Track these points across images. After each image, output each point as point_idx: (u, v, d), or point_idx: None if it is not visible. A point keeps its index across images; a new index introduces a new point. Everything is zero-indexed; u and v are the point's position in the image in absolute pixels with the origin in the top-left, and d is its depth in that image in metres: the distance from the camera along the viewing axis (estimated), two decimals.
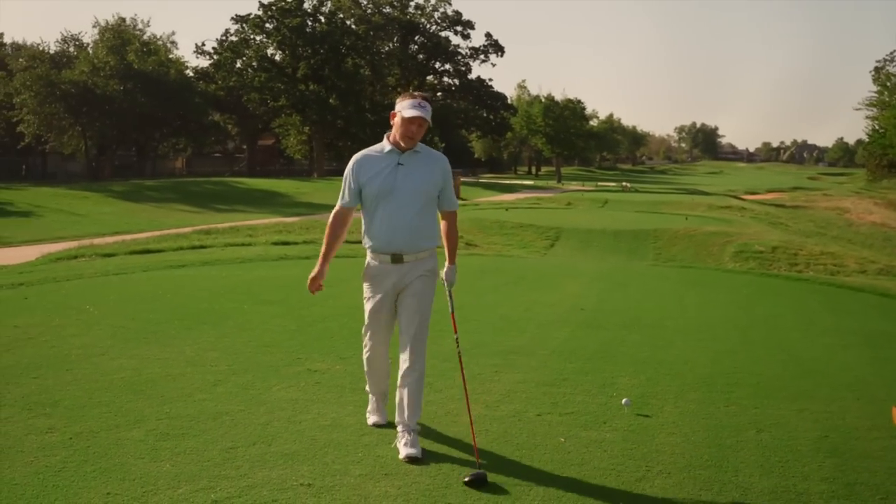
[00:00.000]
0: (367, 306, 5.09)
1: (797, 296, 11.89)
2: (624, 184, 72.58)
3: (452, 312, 5.13)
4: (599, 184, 76.91)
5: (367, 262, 5.06)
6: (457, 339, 5.21)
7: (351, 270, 12.96)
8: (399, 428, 4.92)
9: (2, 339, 7.47)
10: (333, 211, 5.09)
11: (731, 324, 9.40)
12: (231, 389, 6.04)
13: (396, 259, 4.93)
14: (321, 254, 5.17)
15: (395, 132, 4.89)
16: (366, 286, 5.10)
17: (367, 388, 5.42)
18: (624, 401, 5.82)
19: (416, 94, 4.89)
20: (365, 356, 5.24)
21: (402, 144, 4.86)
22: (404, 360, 4.92)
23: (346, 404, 5.76)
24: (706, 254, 20.20)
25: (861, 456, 5.06)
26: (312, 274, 5.13)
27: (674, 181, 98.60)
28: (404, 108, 4.79)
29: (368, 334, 5.15)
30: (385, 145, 4.96)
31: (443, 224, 5.13)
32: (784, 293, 12.11)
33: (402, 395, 4.92)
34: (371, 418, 5.36)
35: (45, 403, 5.57)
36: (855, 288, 12.97)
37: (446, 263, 5.17)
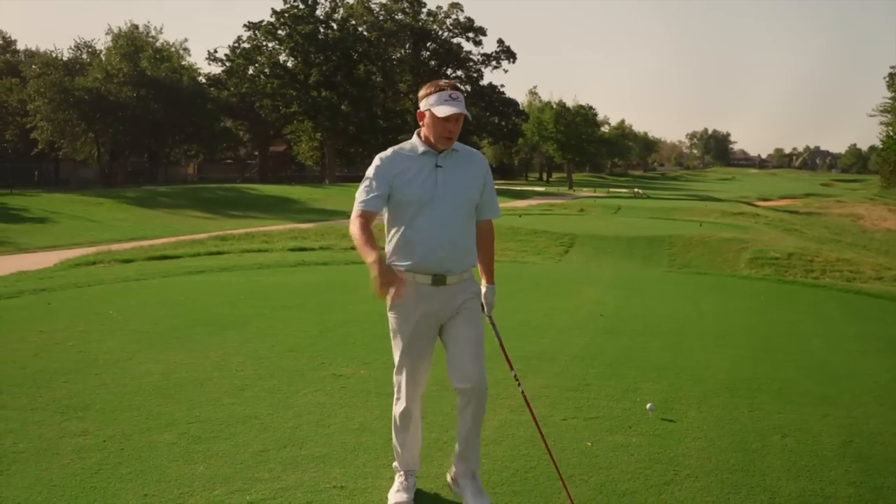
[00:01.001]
0: (399, 343, 4.17)
1: (815, 302, 11.90)
2: (636, 190, 72.59)
3: (501, 343, 4.54)
4: (611, 190, 76.93)
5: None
6: (515, 375, 4.59)
7: (365, 275, 13.09)
8: (458, 473, 4.28)
9: (29, 344, 7.57)
10: (353, 216, 4.04)
11: (751, 330, 9.43)
12: (258, 394, 6.11)
13: (439, 280, 4.10)
14: (364, 246, 3.85)
15: (427, 133, 4.11)
16: (394, 317, 4.17)
17: (395, 462, 4.40)
18: (648, 406, 5.86)
19: (442, 83, 4.10)
20: (397, 411, 4.28)
21: (441, 146, 4.08)
22: (464, 385, 4.11)
23: (373, 409, 5.81)
24: (721, 260, 20.21)
25: (886, 460, 5.09)
26: (374, 272, 3.70)
27: (686, 187, 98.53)
28: (434, 104, 4.01)
29: (404, 380, 4.21)
30: (418, 144, 4.13)
31: (480, 234, 4.38)
32: (802, 299, 12.12)
33: (463, 438, 4.21)
34: (396, 497, 4.22)
35: (76, 407, 5.65)
36: (873, 294, 12.97)
37: (483, 282, 4.45)
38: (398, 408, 4.27)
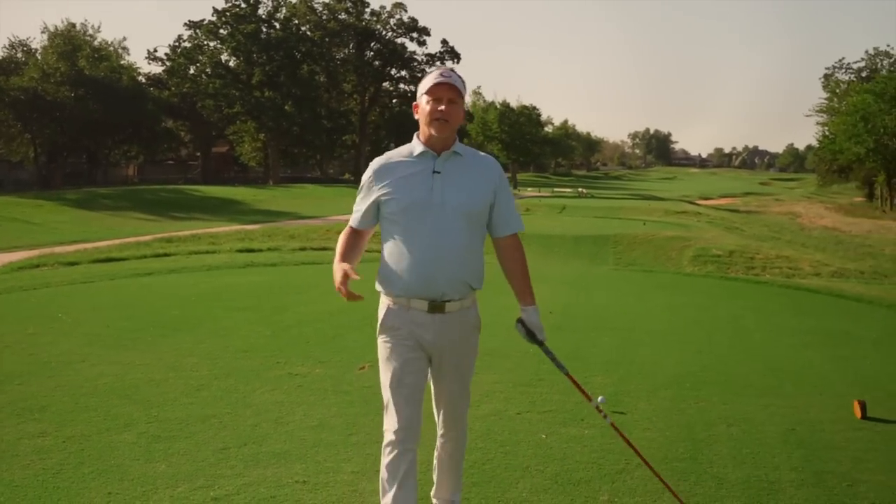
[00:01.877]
0: (388, 374, 3.56)
1: (757, 297, 12.23)
2: (580, 190, 73.41)
3: (569, 375, 4.02)
4: (555, 190, 77.63)
5: (385, 307, 3.61)
6: (598, 406, 4.16)
7: (320, 276, 13.14)
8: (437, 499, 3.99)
9: None
10: (344, 231, 3.72)
11: (696, 325, 9.67)
12: (215, 393, 6.14)
13: (436, 307, 3.52)
14: (335, 262, 3.58)
15: (422, 125, 3.56)
16: (385, 343, 3.60)
17: None
18: (599, 399, 5.98)
19: (437, 68, 3.65)
20: (386, 458, 3.49)
21: (434, 133, 3.49)
22: (440, 434, 3.83)
23: (330, 406, 5.89)
24: (665, 258, 20.60)
25: (826, 447, 5.31)
26: (338, 276, 3.43)
27: (629, 187, 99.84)
28: (426, 80, 3.54)
29: (394, 418, 3.50)
30: (415, 146, 3.60)
31: (504, 252, 3.82)
32: (744, 295, 12.44)
33: (439, 465, 3.90)
34: None
35: (33, 409, 5.64)
36: (811, 290, 13.35)
37: (523, 306, 3.88)
38: (387, 455, 3.48)
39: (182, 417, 5.52)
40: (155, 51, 72.28)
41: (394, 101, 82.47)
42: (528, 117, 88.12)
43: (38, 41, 65.85)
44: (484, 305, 10.38)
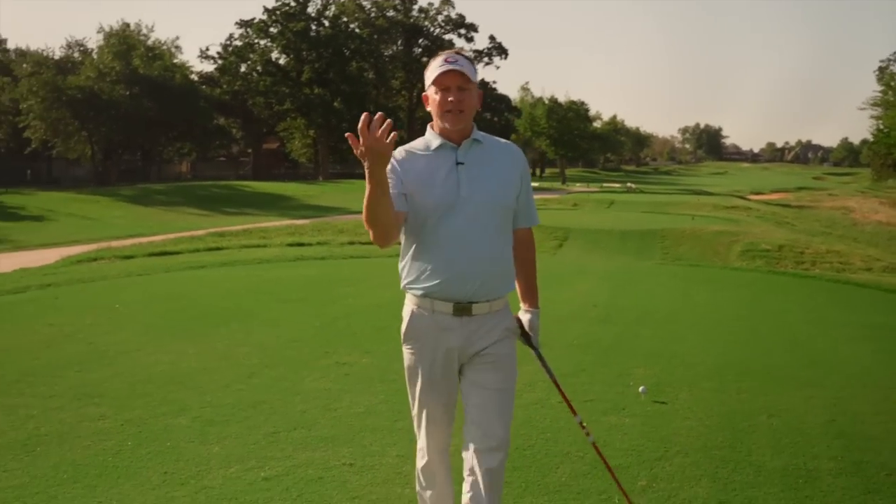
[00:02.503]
0: (415, 385, 3.38)
1: (804, 292, 12.17)
2: (628, 185, 72.88)
3: (557, 383, 3.59)
4: (604, 185, 77.19)
5: (409, 313, 3.34)
6: (581, 423, 3.71)
7: (368, 270, 13.36)
8: None
9: (41, 336, 7.80)
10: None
11: (741, 319, 9.68)
12: (265, 381, 6.35)
13: (462, 310, 3.22)
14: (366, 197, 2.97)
15: (435, 118, 3.29)
16: (410, 351, 3.38)
17: None
18: (641, 389, 6.12)
19: (441, 53, 3.29)
20: (419, 465, 3.51)
21: (448, 125, 3.22)
22: (487, 444, 3.20)
23: (377, 393, 6.06)
24: (713, 253, 20.46)
25: (867, 438, 5.35)
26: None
27: (678, 182, 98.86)
28: (432, 68, 3.23)
29: (423, 431, 3.42)
30: (430, 139, 3.29)
31: (518, 246, 3.44)
32: (791, 290, 12.38)
33: (473, 486, 3.16)
34: None
35: (92, 394, 5.89)
36: (860, 284, 13.25)
37: (525, 307, 3.49)
38: (420, 461, 3.49)
39: (234, 403, 5.72)
40: (207, 49, 73.40)
41: None
42: (576, 113, 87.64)
43: (94, 41, 67.36)
44: None
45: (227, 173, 73.86)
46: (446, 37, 79.11)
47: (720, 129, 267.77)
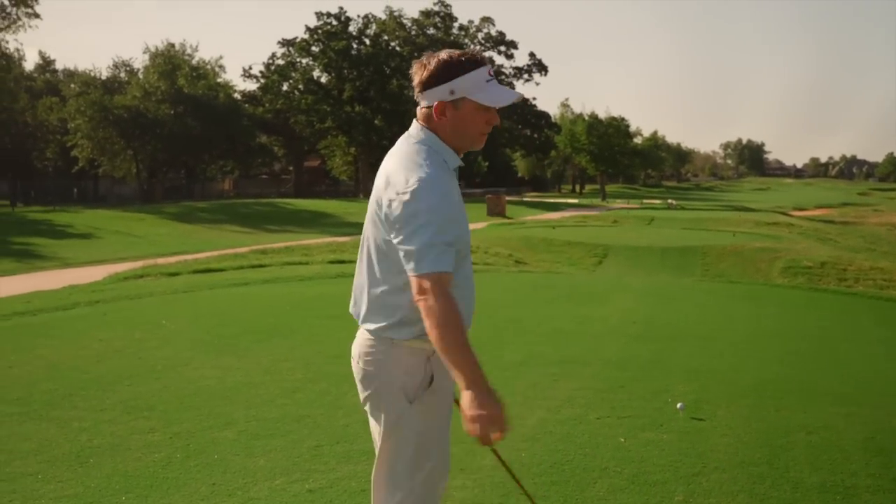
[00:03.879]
0: (429, 448, 2.94)
1: (846, 309, 12.09)
2: (669, 201, 72.49)
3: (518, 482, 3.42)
4: (644, 201, 76.86)
5: (426, 360, 2.86)
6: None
7: None
8: None
9: (91, 351, 8.02)
10: (444, 284, 2.62)
11: (780, 336, 9.66)
12: (309, 396, 6.49)
13: None
14: (466, 348, 2.58)
15: (459, 135, 2.88)
16: (425, 411, 2.90)
17: None
18: (678, 405, 6.17)
19: (474, 52, 2.89)
20: None
21: (475, 147, 2.93)
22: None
23: None
24: (754, 269, 20.38)
25: None
26: (487, 410, 2.52)
27: (720, 198, 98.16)
28: (478, 89, 2.81)
29: (431, 488, 2.99)
30: (448, 154, 2.88)
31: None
32: (833, 307, 12.31)
33: None
34: None
35: (141, 408, 6.07)
36: None
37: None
38: None
39: (278, 417, 5.87)
40: (250, 68, 74.55)
41: None
42: (616, 128, 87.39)
43: (139, 61, 68.68)
44: (568, 314, 10.59)
45: (268, 191, 74.78)
46: (486, 54, 79.43)
47: (762, 145, 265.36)
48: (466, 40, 79.31)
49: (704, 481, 4.79)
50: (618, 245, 24.23)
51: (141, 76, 63.42)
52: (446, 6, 78.32)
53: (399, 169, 2.77)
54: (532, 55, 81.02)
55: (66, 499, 4.39)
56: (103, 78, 64.61)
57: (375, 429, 3.00)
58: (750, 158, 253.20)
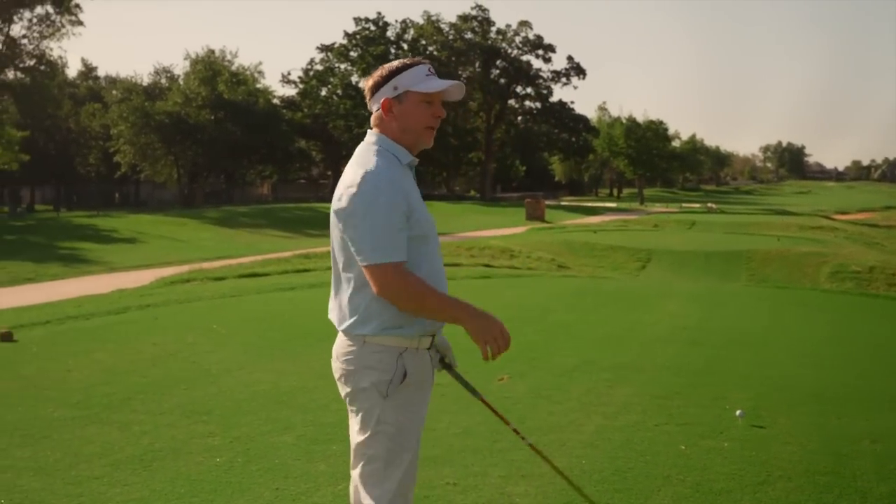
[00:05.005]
0: (404, 443, 3.06)
1: None
2: (709, 205, 71.79)
3: (484, 399, 3.69)
4: (683, 205, 76.20)
5: (396, 357, 2.97)
6: (516, 429, 3.80)
7: (448, 290, 13.48)
8: None
9: (146, 354, 8.11)
10: (399, 271, 2.85)
11: (834, 342, 9.53)
12: None
13: (433, 341, 3.14)
14: (446, 298, 2.98)
15: (406, 131, 3.01)
16: (403, 406, 3.01)
17: None
18: (738, 412, 6.09)
19: (412, 59, 3.04)
20: None
21: (426, 143, 3.05)
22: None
23: (473, 414, 6.14)
24: (801, 274, 20.12)
25: None
26: (491, 323, 2.97)
27: (760, 202, 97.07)
28: (417, 81, 2.97)
29: (404, 486, 3.07)
30: (400, 153, 3.01)
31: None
32: (885, 312, 12.12)
33: None
34: None
35: (200, 412, 6.11)
36: None
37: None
38: None
39: (335, 422, 5.88)
40: (289, 74, 74.96)
41: (519, 118, 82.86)
42: (654, 132, 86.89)
43: (180, 67, 69.53)
44: (617, 320, 10.53)
45: (307, 195, 75.16)
46: (524, 58, 79.32)
47: (803, 147, 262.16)
48: (504, 44, 79.22)
49: (770, 490, 4.72)
50: (661, 249, 24.03)
51: (182, 82, 64.20)
52: (484, 10, 78.32)
53: (350, 168, 2.97)
54: (570, 58, 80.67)
55: (132, 502, 4.43)
56: (145, 84, 65.48)
57: (354, 425, 3.12)
58: (790, 161, 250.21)
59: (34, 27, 46.02)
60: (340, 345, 3.11)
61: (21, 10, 45.10)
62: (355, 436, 3.11)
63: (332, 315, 3.15)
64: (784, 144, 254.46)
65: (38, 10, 45.61)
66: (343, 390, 3.15)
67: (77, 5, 45.96)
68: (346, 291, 3.01)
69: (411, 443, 3.06)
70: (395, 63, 3.03)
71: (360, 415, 3.07)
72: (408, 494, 3.09)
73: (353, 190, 2.85)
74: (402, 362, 2.97)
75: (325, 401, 6.46)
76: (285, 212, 48.13)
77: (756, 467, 5.07)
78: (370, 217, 2.82)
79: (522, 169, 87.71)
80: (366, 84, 3.07)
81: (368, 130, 3.09)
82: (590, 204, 76.12)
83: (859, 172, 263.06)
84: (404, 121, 3.00)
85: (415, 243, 2.93)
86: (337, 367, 3.15)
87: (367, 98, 3.07)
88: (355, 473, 3.12)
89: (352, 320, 3.00)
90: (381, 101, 2.99)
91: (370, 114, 3.08)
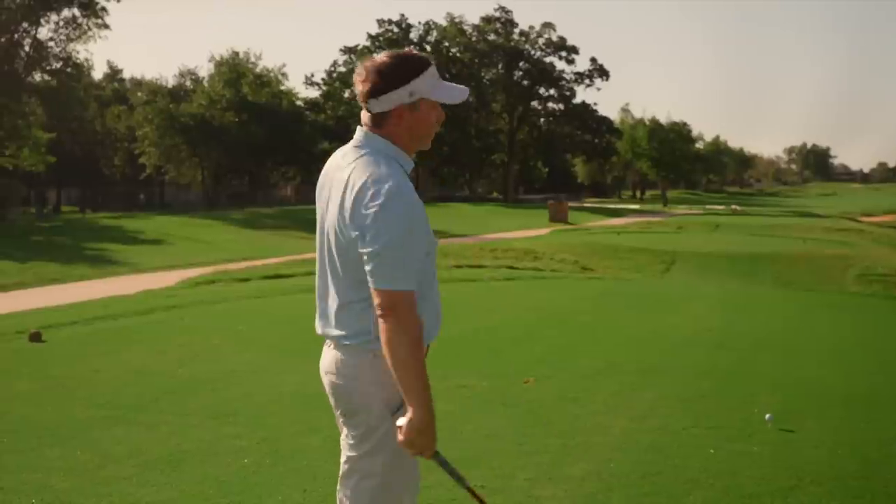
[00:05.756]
0: (408, 465, 2.98)
1: None
2: (733, 207, 71.42)
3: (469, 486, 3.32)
4: (707, 207, 75.83)
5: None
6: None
7: (476, 293, 13.51)
8: None
9: (173, 355, 8.16)
10: (411, 303, 2.67)
11: (863, 346, 9.44)
12: None
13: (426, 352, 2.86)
14: (422, 381, 2.70)
15: (412, 137, 2.88)
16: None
17: None
18: (767, 416, 6.03)
19: (419, 54, 2.92)
20: None
21: (424, 147, 2.95)
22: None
23: (499, 417, 6.15)
24: (827, 277, 19.96)
25: None
26: (423, 424, 2.69)
27: (784, 203, 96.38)
28: (435, 89, 2.82)
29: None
30: (404, 159, 2.87)
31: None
32: None
33: None
34: None
35: (226, 413, 6.14)
36: None
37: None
38: None
39: None
40: (312, 76, 75.14)
41: (542, 119, 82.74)
42: (678, 133, 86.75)
43: (205, 69, 69.78)
44: (642, 322, 10.47)
45: None
46: (547, 59, 79.21)
47: (828, 149, 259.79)
48: (527, 46, 79.12)
49: (801, 495, 4.67)
50: (685, 251, 23.92)
51: (206, 84, 64.48)
52: (507, 12, 78.28)
53: (362, 180, 2.72)
54: (593, 60, 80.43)
55: (162, 503, 4.45)
56: (169, 86, 65.82)
57: (350, 440, 3.00)
58: (815, 163, 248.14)
59: (61, 30, 46.29)
60: (341, 359, 2.94)
61: (48, 14, 45.42)
62: (352, 450, 2.98)
63: (328, 328, 2.99)
64: (809, 146, 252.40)
65: (66, 13, 45.87)
66: (341, 405, 3.03)
67: (103, 8, 46.21)
68: (356, 304, 2.82)
69: (414, 461, 2.99)
70: (408, 59, 2.82)
71: (361, 430, 2.92)
72: None
73: (377, 208, 2.63)
74: None
75: None
76: (309, 213, 48.15)
77: (786, 472, 5.02)
78: (400, 243, 2.65)
79: (545, 171, 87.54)
80: (364, 79, 2.80)
81: (365, 131, 2.87)
82: (612, 206, 75.88)
83: (885, 174, 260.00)
84: (417, 129, 2.85)
85: (425, 272, 2.81)
86: (334, 381, 3.00)
87: (364, 96, 2.80)
88: (348, 490, 3.00)
89: (363, 335, 2.82)
90: (395, 107, 2.78)
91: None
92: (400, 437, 2.71)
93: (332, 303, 2.94)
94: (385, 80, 2.76)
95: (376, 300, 2.67)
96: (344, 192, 2.76)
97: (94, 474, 4.87)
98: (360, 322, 2.82)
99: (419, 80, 2.77)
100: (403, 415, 2.72)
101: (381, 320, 2.65)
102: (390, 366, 2.65)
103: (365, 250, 2.66)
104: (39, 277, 21.48)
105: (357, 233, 2.68)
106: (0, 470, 4.97)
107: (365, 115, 2.88)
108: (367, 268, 2.67)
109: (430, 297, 2.88)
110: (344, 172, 2.81)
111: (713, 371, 7.80)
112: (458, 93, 2.87)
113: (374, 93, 2.78)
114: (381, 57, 2.82)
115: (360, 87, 2.81)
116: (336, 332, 2.93)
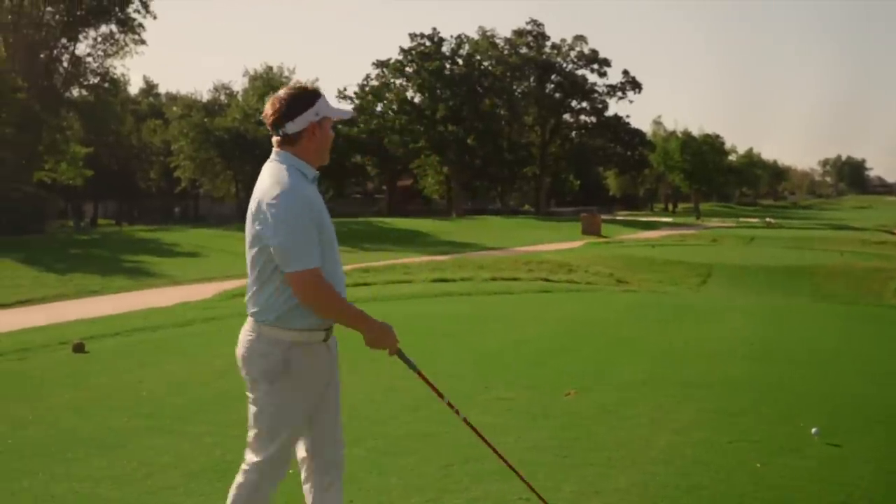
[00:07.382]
0: (285, 414, 3.58)
1: None
2: (767, 220, 70.80)
3: (419, 372, 4.11)
4: (740, 220, 75.22)
5: (285, 348, 3.48)
6: (449, 403, 4.46)
7: (513, 305, 13.48)
8: None
9: (212, 367, 8.23)
10: (316, 277, 3.36)
11: None
12: (431, 413, 6.49)
13: (328, 335, 3.66)
14: (355, 315, 3.62)
15: (316, 151, 3.54)
16: (290, 393, 3.53)
17: None
18: (813, 430, 5.96)
19: (309, 86, 3.68)
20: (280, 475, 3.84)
21: (324, 162, 3.62)
22: (338, 456, 3.89)
23: (541, 429, 6.13)
24: (867, 290, 19.72)
25: None
26: (374, 335, 3.64)
27: (819, 216, 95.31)
28: (332, 107, 3.54)
29: (267, 468, 3.75)
30: (306, 168, 3.52)
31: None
32: None
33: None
34: None
35: None
36: None
37: None
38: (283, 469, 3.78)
39: (404, 434, 5.90)
40: (345, 90, 75.58)
41: (574, 132, 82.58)
42: (710, 146, 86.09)
43: (239, 84, 70.51)
44: (680, 335, 10.38)
45: (361, 210, 75.67)
46: (579, 72, 79.13)
47: (863, 161, 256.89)
48: (559, 59, 79.10)
49: None
50: (721, 264, 23.75)
51: (240, 98, 65.04)
52: (539, 25, 78.36)
53: (269, 185, 3.41)
54: (625, 73, 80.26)
55: None
56: (204, 101, 66.48)
57: (249, 397, 3.66)
58: (850, 175, 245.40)
59: (98, 46, 46.98)
60: (245, 329, 3.63)
61: (86, 30, 46.14)
62: (250, 405, 3.65)
63: (247, 301, 3.61)
64: (844, 158, 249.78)
65: (103, 29, 46.59)
66: (241, 371, 3.69)
67: (140, 24, 46.89)
68: (255, 284, 3.50)
69: (287, 426, 3.59)
70: (305, 89, 3.53)
71: (253, 394, 3.62)
72: (286, 462, 3.72)
73: (274, 208, 3.33)
74: (287, 355, 3.47)
75: (392, 413, 6.51)
76: (342, 226, 48.43)
77: (835, 487, 4.96)
78: (291, 232, 3.31)
79: (577, 183, 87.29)
80: (275, 108, 3.46)
81: (276, 149, 3.53)
82: (645, 218, 75.46)
83: None
84: (322, 142, 3.53)
85: (323, 247, 3.43)
86: (238, 349, 3.66)
87: (274, 122, 3.47)
88: (249, 434, 3.70)
89: (255, 309, 3.51)
90: (307, 125, 3.45)
91: (281, 135, 3.47)
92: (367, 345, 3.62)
93: (248, 281, 3.59)
94: (297, 104, 3.45)
95: (292, 284, 3.36)
96: (257, 195, 3.46)
97: (141, 483, 4.92)
98: (255, 298, 3.51)
99: (321, 102, 3.49)
100: (279, 384, 3.49)
101: (300, 297, 3.37)
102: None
103: (271, 242, 3.35)
104: (80, 289, 21.72)
105: (261, 227, 3.38)
106: (50, 479, 5.04)
107: (276, 139, 3.53)
108: (276, 258, 3.36)
109: (333, 276, 3.52)
110: (261, 180, 3.50)
111: (755, 385, 7.72)
112: (346, 112, 3.71)
113: (289, 116, 3.44)
114: (285, 90, 3.52)
115: (273, 116, 3.48)
116: (247, 306, 3.59)
